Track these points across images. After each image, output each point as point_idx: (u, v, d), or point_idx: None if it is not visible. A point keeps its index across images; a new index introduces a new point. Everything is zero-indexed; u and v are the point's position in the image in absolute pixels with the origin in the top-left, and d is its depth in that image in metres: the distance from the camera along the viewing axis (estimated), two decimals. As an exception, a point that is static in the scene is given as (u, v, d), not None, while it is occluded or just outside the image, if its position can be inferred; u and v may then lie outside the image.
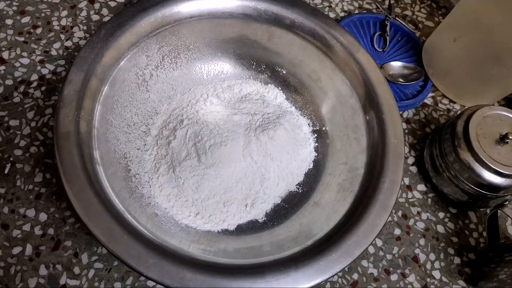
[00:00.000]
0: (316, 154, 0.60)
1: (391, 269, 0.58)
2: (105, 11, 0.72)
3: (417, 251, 0.60)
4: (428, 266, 0.59)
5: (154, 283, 0.52)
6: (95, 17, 0.71)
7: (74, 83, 0.48)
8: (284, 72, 0.64)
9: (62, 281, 0.52)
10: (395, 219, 0.61)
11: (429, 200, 0.64)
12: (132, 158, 0.54)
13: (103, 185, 0.45)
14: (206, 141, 0.54)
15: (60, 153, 0.43)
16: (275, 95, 0.63)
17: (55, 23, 0.69)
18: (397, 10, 0.82)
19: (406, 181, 0.65)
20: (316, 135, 0.62)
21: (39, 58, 0.66)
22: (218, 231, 0.53)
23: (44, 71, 0.65)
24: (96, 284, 0.52)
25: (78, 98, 0.47)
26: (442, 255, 0.60)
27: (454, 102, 0.73)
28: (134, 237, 0.41)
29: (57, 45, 0.67)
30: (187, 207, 0.53)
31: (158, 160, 0.55)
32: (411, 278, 0.58)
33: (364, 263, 0.58)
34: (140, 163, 0.55)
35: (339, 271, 0.43)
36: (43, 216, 0.55)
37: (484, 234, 0.62)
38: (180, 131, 0.56)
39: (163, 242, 0.43)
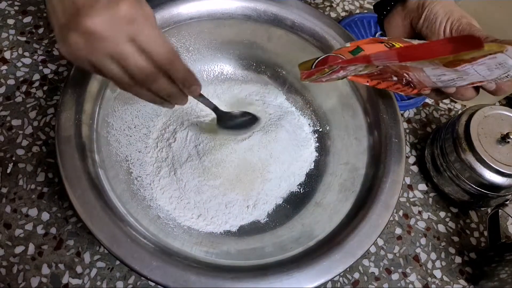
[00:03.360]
0: (317, 154, 0.60)
1: (392, 268, 0.58)
2: (106, 10, 0.72)
3: (418, 250, 0.60)
4: (429, 265, 0.59)
5: (156, 283, 0.52)
6: (97, 17, 0.71)
7: (75, 87, 0.48)
8: (284, 72, 0.64)
9: (65, 280, 0.52)
10: (396, 218, 0.62)
11: (430, 199, 0.64)
12: (134, 160, 0.54)
13: (105, 188, 0.45)
14: (207, 143, 0.54)
15: (62, 157, 0.44)
16: (275, 96, 0.63)
17: None
18: (399, 9, 0.82)
19: (407, 180, 0.65)
20: (317, 135, 0.62)
21: (41, 58, 0.66)
22: (220, 232, 0.53)
23: (46, 71, 0.65)
24: (99, 283, 0.52)
25: (79, 102, 0.47)
26: (443, 255, 0.60)
27: (455, 102, 0.73)
28: (137, 240, 0.41)
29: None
30: (189, 209, 0.53)
31: (159, 163, 0.55)
32: (412, 277, 0.58)
33: (365, 262, 0.58)
34: (141, 166, 0.55)
35: (342, 272, 0.44)
36: (45, 216, 0.55)
37: (485, 233, 0.62)
38: (181, 133, 0.56)
39: (166, 244, 0.44)
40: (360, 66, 0.39)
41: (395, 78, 0.43)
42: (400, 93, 0.45)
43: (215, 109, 0.51)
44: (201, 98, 0.47)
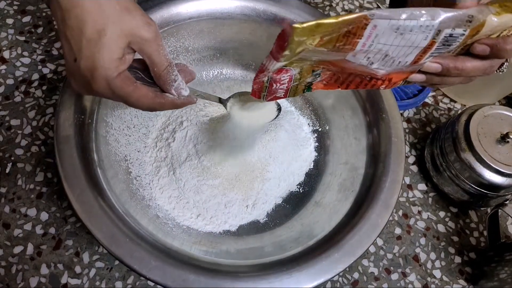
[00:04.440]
0: (317, 154, 0.60)
1: (391, 268, 0.58)
2: (105, 10, 0.72)
3: (417, 250, 0.60)
4: (429, 265, 0.59)
5: (155, 283, 0.52)
6: (96, 17, 0.71)
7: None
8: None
9: (64, 280, 0.52)
10: (396, 218, 0.62)
11: (430, 199, 0.64)
12: (133, 160, 0.54)
13: (104, 188, 0.45)
14: (206, 143, 0.54)
15: (61, 157, 0.44)
16: (275, 95, 0.63)
17: (56, 22, 0.70)
18: (398, 8, 0.82)
19: (407, 180, 0.65)
20: (316, 134, 0.62)
21: (40, 57, 0.66)
22: (219, 232, 0.53)
23: (45, 71, 0.65)
24: (97, 283, 0.52)
25: (78, 101, 0.47)
26: (442, 254, 0.60)
27: (455, 102, 0.73)
28: (136, 240, 0.41)
29: (58, 44, 0.67)
30: (189, 208, 0.53)
31: (158, 162, 0.55)
32: (412, 277, 0.58)
33: (365, 262, 0.58)
34: (140, 166, 0.55)
35: (342, 271, 0.43)
36: (44, 216, 0.55)
37: (485, 233, 0.62)
38: (180, 133, 0.56)
39: (165, 244, 0.44)
40: (287, 73, 0.40)
41: (358, 78, 0.43)
42: (377, 88, 0.44)
43: (220, 101, 0.50)
44: (203, 95, 0.47)
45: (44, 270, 0.52)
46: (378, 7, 0.80)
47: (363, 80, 0.43)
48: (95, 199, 0.42)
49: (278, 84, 0.41)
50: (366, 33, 0.34)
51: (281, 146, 0.56)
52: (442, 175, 0.61)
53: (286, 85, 0.42)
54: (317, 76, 0.42)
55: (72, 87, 0.39)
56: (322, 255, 0.43)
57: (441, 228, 0.62)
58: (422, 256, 0.59)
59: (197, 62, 0.62)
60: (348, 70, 0.41)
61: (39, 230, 0.54)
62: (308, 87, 0.44)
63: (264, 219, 0.55)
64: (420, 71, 0.41)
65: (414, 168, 0.66)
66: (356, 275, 0.57)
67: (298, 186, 0.58)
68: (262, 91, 0.43)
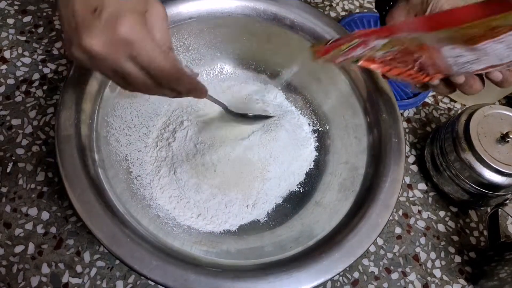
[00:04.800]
0: (317, 153, 0.60)
1: (391, 267, 0.58)
2: (106, 10, 0.72)
3: (417, 249, 0.60)
4: (429, 264, 0.59)
5: (156, 282, 0.52)
6: (96, 16, 0.71)
7: (74, 86, 0.48)
8: (283, 72, 0.64)
9: (65, 279, 0.52)
10: (396, 218, 0.62)
11: (430, 199, 0.64)
12: (133, 160, 0.54)
13: (104, 187, 0.45)
14: (207, 143, 0.54)
15: (62, 157, 0.44)
16: (275, 95, 0.63)
17: (56, 22, 0.70)
18: (398, 8, 0.82)
19: (407, 180, 0.65)
20: (316, 134, 0.62)
21: (40, 57, 0.66)
22: (220, 231, 0.53)
23: (46, 70, 0.65)
24: (98, 282, 0.52)
25: (79, 101, 0.47)
26: (442, 254, 0.60)
27: (455, 101, 0.73)
28: (137, 240, 0.41)
29: (58, 44, 0.68)
30: (189, 208, 0.53)
31: (158, 162, 0.55)
32: (412, 276, 0.58)
33: (365, 261, 0.58)
34: (141, 165, 0.55)
35: (342, 271, 0.43)
36: (45, 215, 0.55)
37: (485, 232, 0.62)
38: (180, 132, 0.56)
39: (165, 244, 0.44)
40: (380, 41, 0.37)
41: (409, 66, 0.41)
42: (411, 81, 0.43)
43: (226, 109, 0.50)
44: (211, 98, 0.47)
45: (45, 269, 0.52)
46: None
47: (410, 70, 0.41)
48: (96, 199, 0.42)
49: (360, 49, 0.38)
50: (502, 36, 0.32)
51: (282, 146, 0.56)
52: (442, 175, 0.61)
53: (362, 51, 0.39)
54: (387, 52, 0.39)
55: (83, 47, 0.33)
56: (322, 255, 0.43)
57: (441, 227, 0.62)
58: (422, 256, 0.59)
59: (198, 62, 0.62)
60: (415, 57, 0.39)
61: (40, 229, 0.54)
62: (358, 59, 0.41)
63: (265, 219, 0.55)
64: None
65: (414, 168, 0.66)
66: (356, 275, 0.57)
67: (299, 186, 0.58)
68: (334, 50, 0.39)
